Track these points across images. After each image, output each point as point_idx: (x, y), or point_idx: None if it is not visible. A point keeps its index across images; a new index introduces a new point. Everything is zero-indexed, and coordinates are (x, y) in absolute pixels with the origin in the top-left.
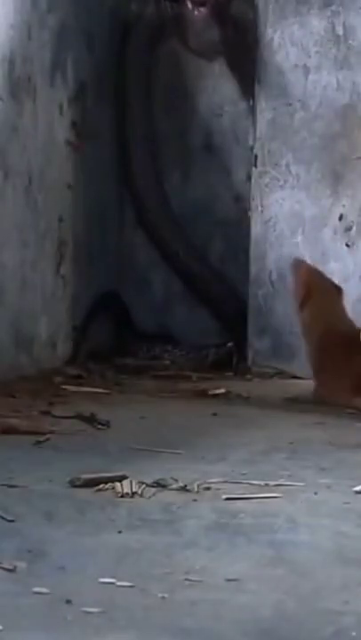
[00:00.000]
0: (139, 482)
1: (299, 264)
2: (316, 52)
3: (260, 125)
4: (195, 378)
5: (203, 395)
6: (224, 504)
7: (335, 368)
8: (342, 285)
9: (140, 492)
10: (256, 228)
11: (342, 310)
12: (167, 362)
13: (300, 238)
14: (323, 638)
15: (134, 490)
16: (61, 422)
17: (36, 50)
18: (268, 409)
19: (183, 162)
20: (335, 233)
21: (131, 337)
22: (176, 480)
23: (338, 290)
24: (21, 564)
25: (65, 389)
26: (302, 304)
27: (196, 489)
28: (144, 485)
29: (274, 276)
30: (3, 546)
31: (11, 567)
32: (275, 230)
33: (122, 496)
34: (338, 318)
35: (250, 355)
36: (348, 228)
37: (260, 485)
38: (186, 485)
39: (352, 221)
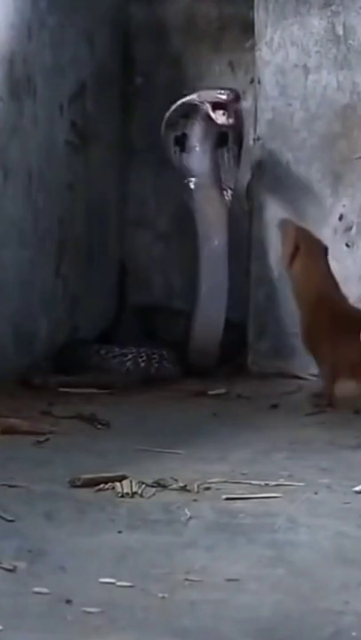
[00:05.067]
0: (139, 482)
1: (286, 223)
2: (316, 52)
3: (260, 125)
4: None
5: (203, 395)
6: (224, 504)
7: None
8: (342, 285)
9: (140, 492)
10: (256, 228)
11: (329, 269)
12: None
13: None
14: (323, 638)
15: (134, 490)
16: (61, 422)
17: (36, 50)
18: (268, 409)
19: None
20: (335, 233)
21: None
22: (176, 480)
23: (325, 249)
24: (21, 564)
25: (65, 390)
26: (291, 260)
27: (196, 489)
28: (144, 485)
29: (274, 276)
30: (3, 546)
31: (11, 567)
32: (275, 230)
33: (122, 496)
34: (328, 281)
35: (250, 355)
36: (349, 228)
37: (260, 485)
38: (186, 485)
39: (352, 221)
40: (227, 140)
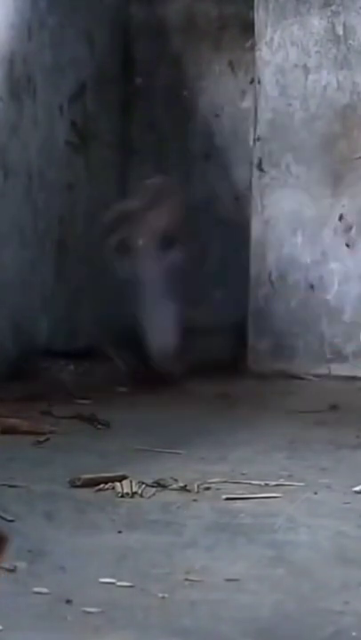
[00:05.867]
0: (139, 482)
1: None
2: (316, 52)
3: (260, 125)
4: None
5: (202, 395)
6: (224, 504)
7: None
8: (342, 285)
9: (140, 492)
10: (256, 228)
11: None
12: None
13: (300, 238)
14: (323, 638)
15: (134, 490)
16: (61, 422)
17: (36, 50)
18: (268, 409)
19: (183, 162)
20: (335, 233)
21: None
22: (176, 480)
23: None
24: (21, 564)
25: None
26: None
27: (196, 489)
28: (144, 485)
29: (274, 276)
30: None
31: (11, 567)
32: (275, 230)
33: (122, 496)
34: None
35: (250, 355)
36: (349, 228)
37: (260, 485)
38: (186, 485)
39: (352, 221)
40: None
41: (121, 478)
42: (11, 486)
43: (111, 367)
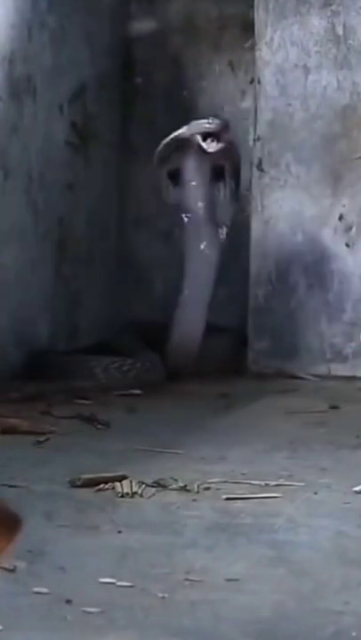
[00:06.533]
0: (139, 482)
1: None
2: (316, 52)
3: (260, 125)
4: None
5: (202, 395)
6: (224, 504)
7: None
8: (342, 285)
9: (140, 492)
10: (256, 228)
11: None
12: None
13: (300, 238)
14: (323, 638)
15: (134, 490)
16: (61, 422)
17: (36, 50)
18: (267, 409)
19: None
20: (335, 233)
21: None
22: (176, 480)
23: None
24: (21, 564)
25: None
26: None
27: (196, 489)
28: (144, 485)
29: (274, 276)
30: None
31: (11, 567)
32: (275, 230)
33: (122, 496)
34: None
35: (250, 354)
36: (348, 228)
37: (260, 485)
38: (186, 485)
39: (352, 221)
40: (223, 174)
41: (121, 478)
42: (11, 486)
43: (146, 362)
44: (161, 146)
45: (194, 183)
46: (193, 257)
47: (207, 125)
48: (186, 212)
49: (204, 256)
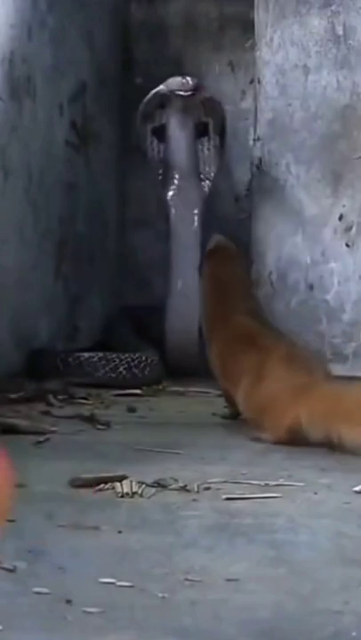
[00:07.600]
0: (139, 482)
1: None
2: (317, 52)
3: (260, 125)
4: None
5: (202, 394)
6: (224, 504)
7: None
8: (342, 285)
9: (140, 492)
10: (256, 228)
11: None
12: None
13: (300, 238)
14: (322, 638)
15: (134, 490)
16: (61, 422)
17: (36, 50)
18: None
19: None
20: (335, 233)
21: None
22: (176, 480)
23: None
24: (21, 564)
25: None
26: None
27: (196, 489)
28: (144, 485)
29: (274, 276)
30: (3, 546)
31: (11, 567)
32: (275, 230)
33: (122, 496)
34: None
35: None
36: (349, 228)
37: (260, 485)
38: (186, 485)
39: (352, 221)
40: (207, 130)
41: (121, 478)
42: None
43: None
44: (142, 104)
45: (178, 139)
46: (177, 217)
47: (183, 81)
48: (170, 168)
49: (189, 214)
